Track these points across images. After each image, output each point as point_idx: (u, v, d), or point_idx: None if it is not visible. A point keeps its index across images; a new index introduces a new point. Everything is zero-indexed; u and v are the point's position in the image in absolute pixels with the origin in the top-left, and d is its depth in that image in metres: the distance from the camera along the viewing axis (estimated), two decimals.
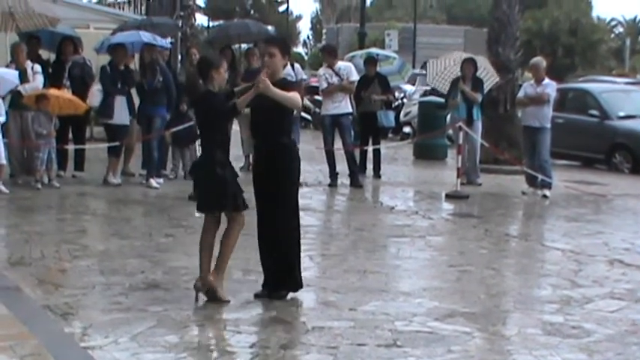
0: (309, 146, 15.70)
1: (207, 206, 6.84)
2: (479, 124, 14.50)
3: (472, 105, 14.35)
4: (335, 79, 13.88)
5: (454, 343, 5.90)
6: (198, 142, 12.54)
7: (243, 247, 7.47)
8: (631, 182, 16.08)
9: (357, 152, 14.54)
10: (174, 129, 13.31)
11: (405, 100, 24.81)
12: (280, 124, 6.90)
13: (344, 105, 13.90)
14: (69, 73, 13.61)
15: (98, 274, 7.58)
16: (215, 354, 5.74)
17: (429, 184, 14.71)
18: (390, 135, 20.05)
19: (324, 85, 13.95)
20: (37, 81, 12.70)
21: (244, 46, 22.38)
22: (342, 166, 13.94)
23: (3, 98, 12.07)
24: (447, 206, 12.62)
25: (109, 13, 21.80)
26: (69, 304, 6.55)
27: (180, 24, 22.71)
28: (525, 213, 12.79)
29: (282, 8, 76.46)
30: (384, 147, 15.98)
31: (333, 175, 13.91)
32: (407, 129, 23.11)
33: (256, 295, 6.89)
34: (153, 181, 12.96)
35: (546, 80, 13.52)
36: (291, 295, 6.93)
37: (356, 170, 14.05)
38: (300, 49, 78.37)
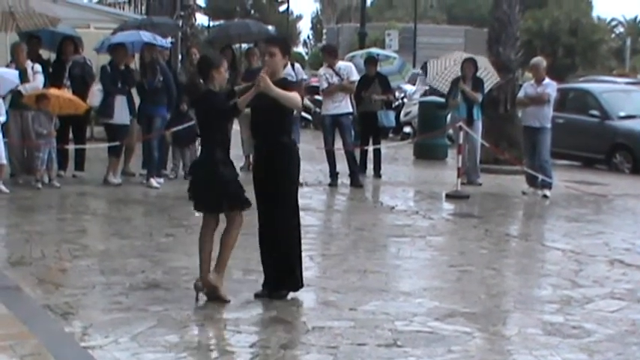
0: (309, 146, 15.71)
1: (206, 206, 6.84)
2: (479, 124, 14.50)
3: (472, 105, 14.35)
4: (335, 79, 13.88)
5: (454, 343, 5.90)
6: (198, 142, 12.61)
7: (244, 246, 7.48)
8: (631, 182, 16.07)
9: (357, 152, 14.54)
10: (174, 129, 13.34)
11: (405, 100, 24.82)
12: (280, 124, 6.90)
13: (344, 105, 13.90)
14: (69, 73, 13.61)
15: (98, 274, 7.58)
16: (215, 354, 5.74)
17: (430, 184, 14.71)
18: (390, 135, 20.05)
19: (325, 84, 13.95)
20: (37, 81, 12.70)
21: (245, 45, 22.36)
22: (342, 166, 13.93)
23: (3, 98, 12.07)
24: (448, 206, 12.62)
25: (109, 13, 21.76)
26: (69, 304, 6.55)
27: (180, 24, 22.68)
28: (526, 213, 12.79)
29: (282, 8, 76.49)
30: (385, 147, 15.98)
31: (334, 174, 13.91)
32: (407, 129, 23.11)
33: (256, 295, 6.90)
34: (153, 181, 12.96)
35: (547, 80, 13.51)
36: (291, 294, 6.93)
37: (356, 170, 14.05)
38: (300, 48, 78.43)
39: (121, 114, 13.01)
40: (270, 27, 29.38)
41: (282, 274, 6.90)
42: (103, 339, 5.75)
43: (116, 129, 13.08)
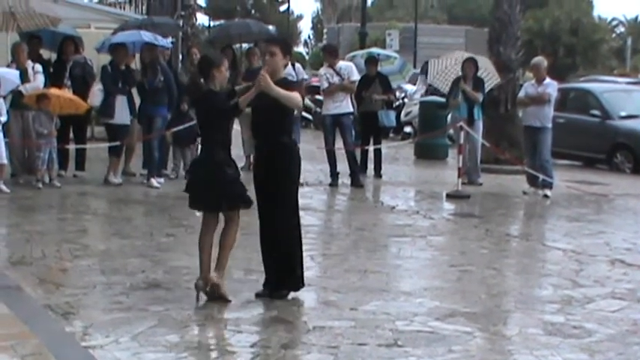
0: (309, 146, 15.70)
1: (206, 205, 6.84)
2: (480, 124, 14.49)
3: (473, 105, 14.34)
4: (336, 79, 13.87)
5: (455, 342, 5.90)
6: (199, 142, 12.60)
7: (244, 246, 7.48)
8: (632, 182, 16.07)
9: (357, 152, 14.54)
10: (175, 129, 13.34)
11: (405, 100, 24.82)
12: (281, 124, 6.90)
13: (345, 105, 13.89)
14: (70, 73, 13.62)
15: (99, 274, 7.58)
16: (216, 353, 5.73)
17: (430, 184, 14.70)
18: (391, 135, 20.07)
19: (325, 84, 13.95)
20: (37, 81, 12.71)
21: (245, 45, 22.34)
22: (342, 166, 13.93)
23: (4, 98, 12.07)
24: (448, 206, 12.62)
25: (110, 13, 21.76)
26: (70, 304, 6.55)
27: (181, 23, 22.67)
28: (526, 213, 12.79)
29: (283, 8, 76.55)
30: (385, 147, 15.99)
31: (334, 174, 13.91)
32: (408, 129, 23.11)
33: (257, 295, 6.89)
34: (154, 181, 12.96)
35: (547, 80, 13.50)
36: (292, 294, 6.93)
37: (357, 170, 14.04)
38: (301, 48, 78.50)
39: (122, 114, 13.01)
40: (270, 27, 29.33)
41: (282, 273, 6.90)
42: (103, 339, 5.75)
43: (117, 129, 13.08)
